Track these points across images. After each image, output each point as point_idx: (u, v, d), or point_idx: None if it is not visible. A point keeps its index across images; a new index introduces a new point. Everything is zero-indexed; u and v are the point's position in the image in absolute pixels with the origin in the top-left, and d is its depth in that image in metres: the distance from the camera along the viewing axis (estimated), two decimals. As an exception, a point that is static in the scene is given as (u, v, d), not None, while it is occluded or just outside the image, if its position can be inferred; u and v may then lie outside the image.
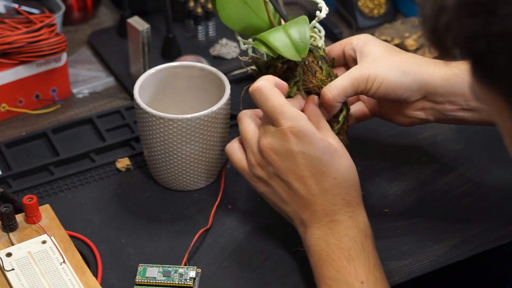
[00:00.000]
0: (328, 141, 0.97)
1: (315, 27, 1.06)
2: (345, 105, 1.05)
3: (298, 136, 0.96)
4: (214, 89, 1.12)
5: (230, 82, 1.12)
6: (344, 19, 1.44)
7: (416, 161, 1.17)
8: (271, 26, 1.06)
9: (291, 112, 0.97)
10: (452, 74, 1.03)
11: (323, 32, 1.07)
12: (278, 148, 0.97)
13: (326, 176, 0.96)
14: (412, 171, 1.15)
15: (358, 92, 1.02)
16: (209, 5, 1.38)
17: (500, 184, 1.12)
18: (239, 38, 1.06)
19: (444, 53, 0.71)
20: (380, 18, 1.43)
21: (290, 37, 1.00)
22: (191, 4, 1.38)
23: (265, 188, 1.00)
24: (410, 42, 1.32)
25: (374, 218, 1.09)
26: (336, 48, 1.09)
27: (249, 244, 1.05)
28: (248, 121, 1.01)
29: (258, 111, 1.03)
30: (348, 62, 1.09)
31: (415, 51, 1.32)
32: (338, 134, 1.05)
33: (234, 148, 1.03)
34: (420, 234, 1.07)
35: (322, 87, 1.03)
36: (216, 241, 1.06)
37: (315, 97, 1.03)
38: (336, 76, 1.05)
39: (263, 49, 1.01)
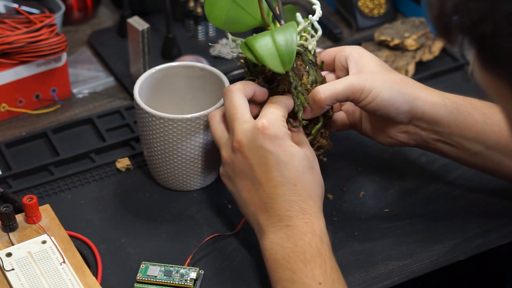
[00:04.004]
0: (300, 149, 0.98)
1: (312, 25, 1.05)
2: (323, 116, 1.04)
3: (270, 137, 0.97)
4: (214, 89, 1.12)
5: (230, 82, 1.11)
6: (344, 19, 1.44)
7: (416, 161, 1.17)
8: (264, 23, 1.04)
9: (270, 115, 0.98)
10: (442, 104, 1.03)
11: (319, 32, 1.05)
12: (249, 143, 0.97)
13: (287, 181, 0.96)
14: (412, 171, 1.15)
15: (349, 100, 1.03)
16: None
17: (500, 184, 1.12)
18: (229, 35, 1.05)
19: (450, 40, 0.71)
20: (380, 18, 1.43)
21: (277, 45, 0.98)
22: (191, 4, 1.38)
23: (232, 187, 1.01)
24: (410, 42, 1.32)
25: (374, 218, 1.09)
26: (327, 54, 1.09)
27: (249, 244, 1.05)
28: (234, 101, 1.01)
29: (244, 88, 1.02)
30: (337, 69, 1.09)
31: (415, 51, 1.32)
32: (314, 140, 1.05)
33: (215, 120, 1.03)
34: (420, 234, 1.07)
35: (304, 93, 1.02)
36: (216, 241, 1.06)
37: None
38: (324, 80, 1.05)
39: (248, 55, 0.99)
